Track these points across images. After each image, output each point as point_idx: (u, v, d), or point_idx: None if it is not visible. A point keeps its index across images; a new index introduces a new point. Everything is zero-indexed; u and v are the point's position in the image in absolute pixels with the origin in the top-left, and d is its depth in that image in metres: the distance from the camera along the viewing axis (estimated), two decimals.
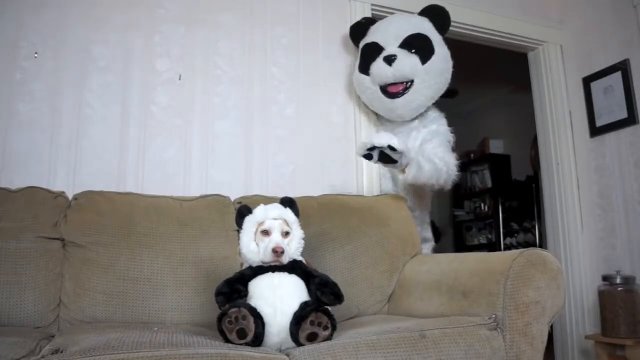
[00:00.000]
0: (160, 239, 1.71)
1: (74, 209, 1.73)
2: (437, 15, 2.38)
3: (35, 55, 2.06)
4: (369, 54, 2.35)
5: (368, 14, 2.65)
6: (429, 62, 2.26)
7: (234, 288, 1.37)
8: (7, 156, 1.96)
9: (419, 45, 2.27)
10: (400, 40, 2.28)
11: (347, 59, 2.62)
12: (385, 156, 2.00)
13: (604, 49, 2.96)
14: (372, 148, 1.98)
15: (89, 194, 1.78)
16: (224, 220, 1.82)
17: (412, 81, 2.27)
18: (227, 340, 1.24)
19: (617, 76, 2.85)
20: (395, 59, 2.25)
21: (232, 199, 1.97)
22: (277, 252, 1.37)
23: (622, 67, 2.83)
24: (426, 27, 2.33)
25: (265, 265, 1.40)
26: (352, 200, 2.12)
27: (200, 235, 1.77)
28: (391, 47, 2.29)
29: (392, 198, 2.18)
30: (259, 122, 2.38)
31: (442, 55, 2.32)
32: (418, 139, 2.32)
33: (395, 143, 1.94)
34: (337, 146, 2.50)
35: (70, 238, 1.66)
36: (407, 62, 2.24)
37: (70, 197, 1.80)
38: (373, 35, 2.40)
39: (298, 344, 1.29)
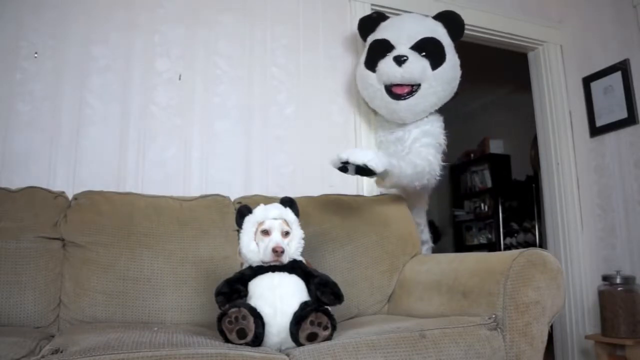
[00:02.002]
0: (160, 239, 1.71)
1: (74, 209, 1.73)
2: (452, 21, 2.32)
3: (35, 55, 2.06)
4: (378, 51, 2.28)
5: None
6: (439, 69, 2.20)
7: (234, 288, 1.37)
8: (7, 156, 1.96)
9: (431, 50, 2.21)
10: (412, 42, 2.22)
11: (347, 58, 2.62)
12: (363, 170, 1.81)
13: (603, 49, 2.96)
14: (347, 162, 1.79)
15: (89, 194, 1.78)
16: (224, 220, 1.83)
17: (419, 85, 2.21)
18: (227, 340, 1.25)
19: (617, 76, 2.85)
20: (406, 60, 2.18)
21: (232, 199, 1.97)
22: (277, 251, 1.37)
23: (622, 67, 2.83)
24: (440, 32, 2.28)
25: (265, 265, 1.40)
26: (352, 200, 2.12)
27: (200, 235, 1.77)
28: (402, 47, 2.23)
29: (392, 198, 2.18)
30: (259, 122, 2.39)
31: (452, 63, 2.26)
32: (409, 139, 2.30)
33: (373, 165, 1.75)
34: (337, 146, 2.49)
35: (70, 238, 1.66)
36: (418, 65, 2.18)
37: (70, 197, 1.80)
38: (384, 31, 2.33)
39: (298, 344, 1.29)
